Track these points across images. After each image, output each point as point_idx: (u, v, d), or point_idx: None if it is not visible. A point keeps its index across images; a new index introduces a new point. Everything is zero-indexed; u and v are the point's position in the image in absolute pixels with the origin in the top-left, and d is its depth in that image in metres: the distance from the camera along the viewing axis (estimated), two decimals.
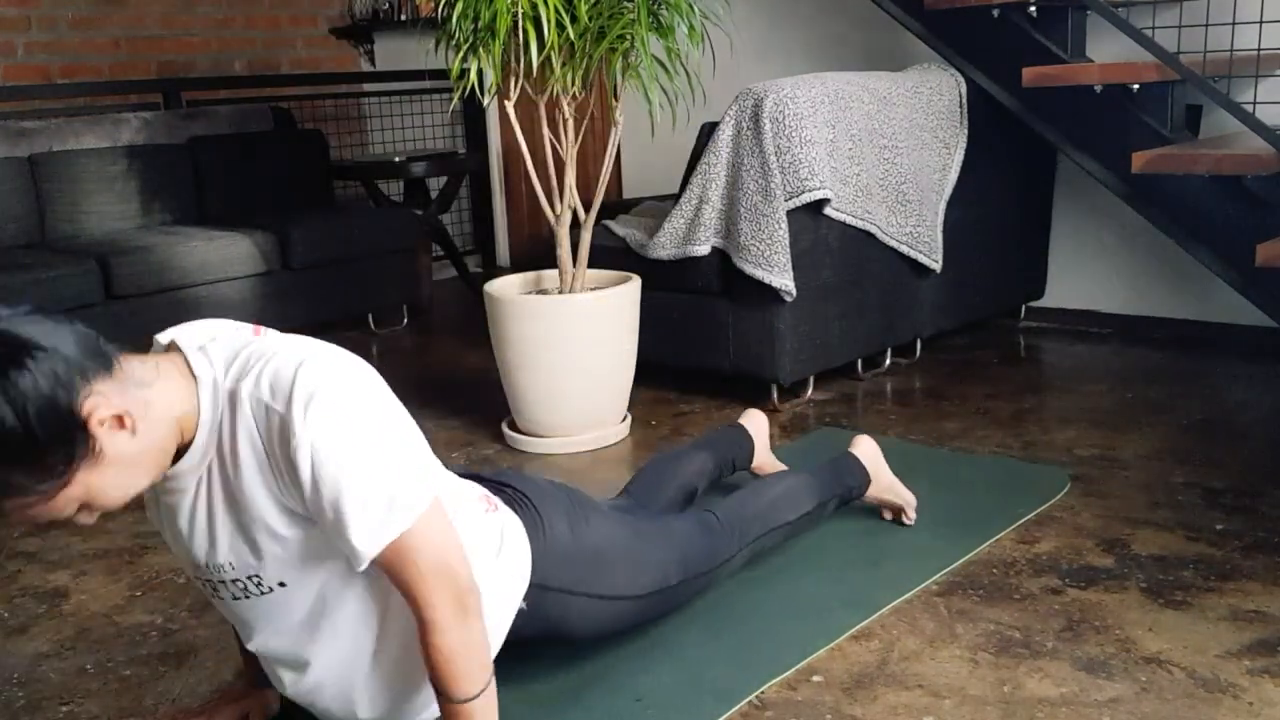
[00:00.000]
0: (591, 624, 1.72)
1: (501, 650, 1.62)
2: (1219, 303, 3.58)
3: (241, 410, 1.29)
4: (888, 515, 2.32)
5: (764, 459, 2.44)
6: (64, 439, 1.18)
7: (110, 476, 1.24)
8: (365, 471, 1.27)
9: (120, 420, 1.23)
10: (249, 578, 1.38)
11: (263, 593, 1.39)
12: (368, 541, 1.29)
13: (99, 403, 1.20)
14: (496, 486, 1.67)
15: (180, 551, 1.43)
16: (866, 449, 2.30)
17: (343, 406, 1.27)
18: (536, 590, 1.60)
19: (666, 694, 1.72)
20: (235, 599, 1.42)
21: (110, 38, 4.99)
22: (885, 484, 2.28)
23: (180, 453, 1.32)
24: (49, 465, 1.19)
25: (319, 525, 1.32)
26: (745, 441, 2.41)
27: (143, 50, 5.11)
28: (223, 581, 1.40)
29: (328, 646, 1.44)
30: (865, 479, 2.25)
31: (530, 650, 1.75)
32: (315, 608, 1.41)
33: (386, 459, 1.30)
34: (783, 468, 2.43)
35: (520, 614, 1.58)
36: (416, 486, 1.32)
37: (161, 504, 1.41)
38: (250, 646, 1.48)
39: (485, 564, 1.49)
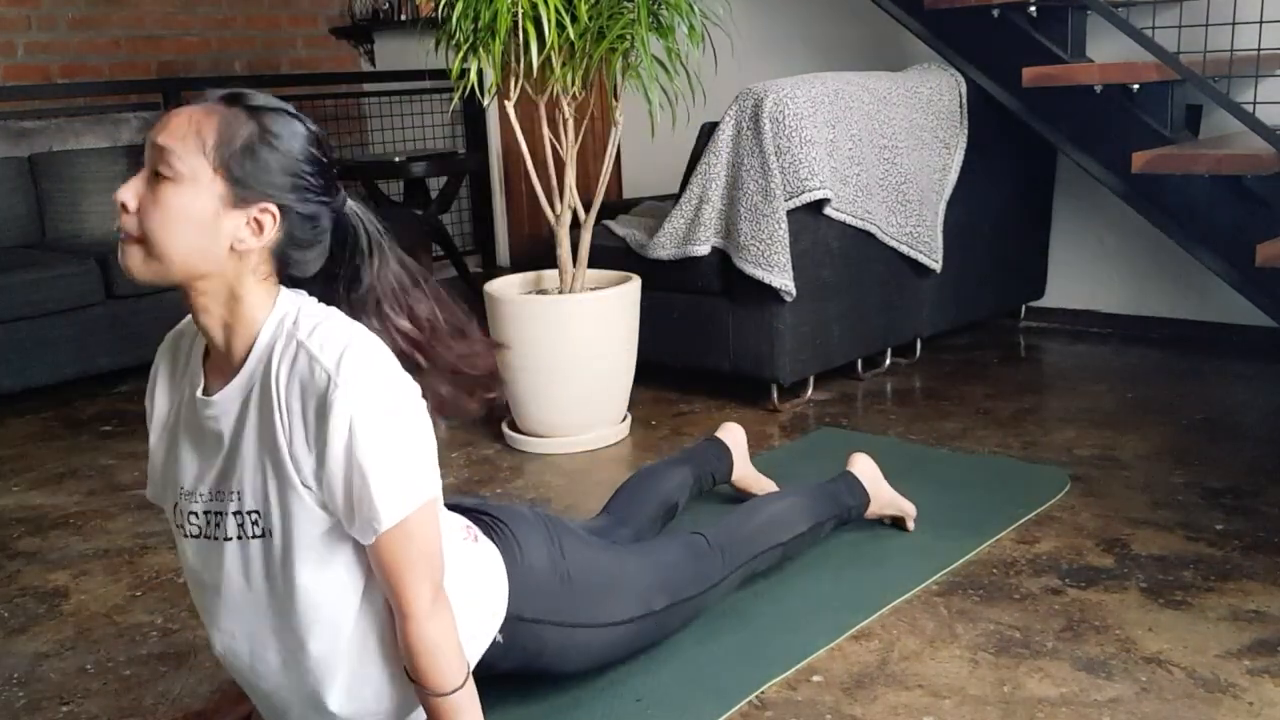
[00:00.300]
0: (575, 656, 1.70)
1: None
2: (1219, 303, 3.58)
3: (288, 353, 1.32)
4: (888, 521, 2.31)
5: (744, 471, 2.42)
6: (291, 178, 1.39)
7: (234, 220, 1.31)
8: (397, 445, 1.31)
9: (258, 225, 1.32)
10: (249, 513, 1.37)
11: (254, 535, 1.38)
12: (387, 511, 1.30)
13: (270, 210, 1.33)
14: (475, 515, 1.66)
15: (184, 471, 1.42)
16: (865, 467, 2.27)
17: (387, 380, 1.32)
18: (512, 621, 1.58)
19: (666, 694, 1.73)
20: (228, 539, 1.39)
21: (110, 38, 4.99)
22: (885, 500, 2.26)
23: (227, 380, 1.36)
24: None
25: (324, 493, 1.32)
26: (724, 455, 2.39)
27: (143, 50, 5.11)
28: (222, 514, 1.39)
29: (296, 630, 1.40)
30: (864, 499, 2.23)
31: None
32: (297, 582, 1.38)
33: (415, 439, 1.34)
34: (766, 479, 2.42)
35: (496, 645, 1.57)
36: (432, 471, 1.37)
37: (197, 428, 1.40)
38: (215, 619, 1.44)
39: (461, 594, 1.48)
